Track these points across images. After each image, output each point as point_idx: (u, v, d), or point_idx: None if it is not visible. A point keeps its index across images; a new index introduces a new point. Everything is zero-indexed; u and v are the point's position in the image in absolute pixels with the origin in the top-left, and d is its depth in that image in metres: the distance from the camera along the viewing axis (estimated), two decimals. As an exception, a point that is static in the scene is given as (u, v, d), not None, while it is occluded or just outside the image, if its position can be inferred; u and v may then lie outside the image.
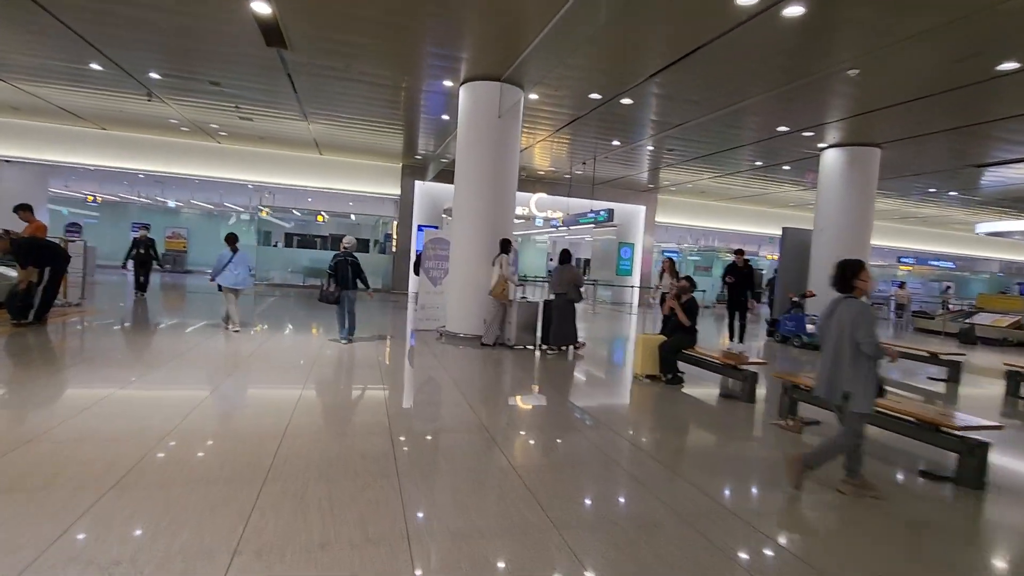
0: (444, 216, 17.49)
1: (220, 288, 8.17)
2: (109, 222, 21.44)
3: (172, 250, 20.53)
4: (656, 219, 19.67)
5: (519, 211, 17.68)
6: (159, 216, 21.46)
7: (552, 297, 8.51)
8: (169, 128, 14.19)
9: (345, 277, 7.70)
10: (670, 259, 11.30)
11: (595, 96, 9.14)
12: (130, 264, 11.68)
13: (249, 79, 9.73)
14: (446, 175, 16.90)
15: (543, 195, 17.89)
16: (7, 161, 14.72)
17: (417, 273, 12.21)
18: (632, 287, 19.34)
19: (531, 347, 8.45)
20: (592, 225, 15.13)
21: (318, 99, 10.70)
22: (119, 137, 15.08)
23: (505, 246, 8.22)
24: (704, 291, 20.12)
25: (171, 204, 24.30)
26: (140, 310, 10.22)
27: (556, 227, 20.00)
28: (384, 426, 4.30)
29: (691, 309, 6.62)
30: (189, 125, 13.70)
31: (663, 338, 6.69)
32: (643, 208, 19.50)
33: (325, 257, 17.99)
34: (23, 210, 7.60)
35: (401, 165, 16.94)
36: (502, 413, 5.13)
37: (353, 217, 28.74)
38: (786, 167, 13.87)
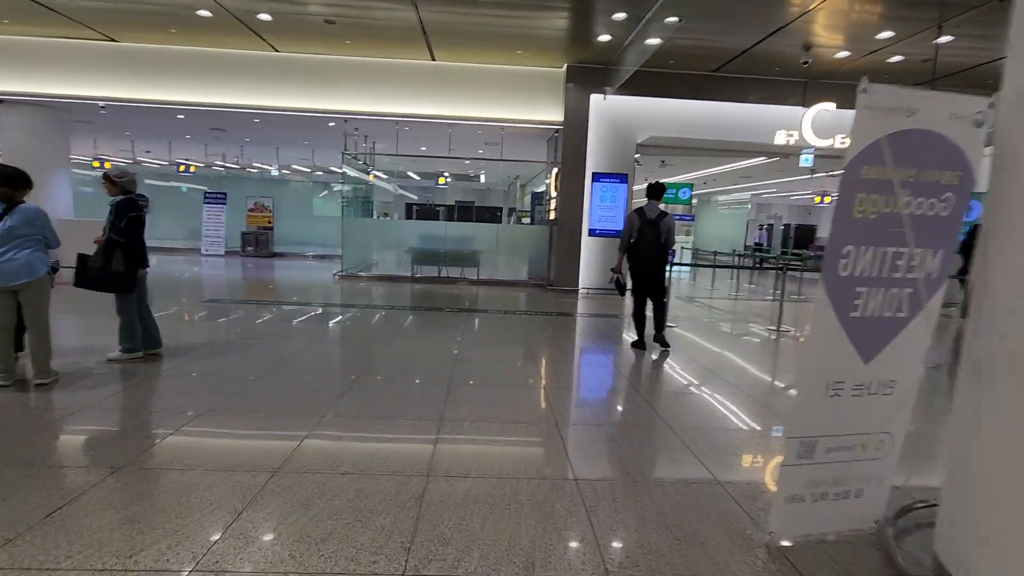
0: (637, 159, 10.09)
1: None
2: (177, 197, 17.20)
3: (254, 226, 15.60)
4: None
5: (781, 136, 9.74)
6: (238, 185, 16.73)
7: None
8: (195, 26, 8.44)
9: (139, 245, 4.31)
10: None
11: None
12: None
13: None
14: (649, 79, 9.44)
15: (828, 106, 9.63)
16: (1, 101, 10.08)
17: (622, 278, 5.16)
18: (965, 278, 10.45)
19: None
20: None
21: None
22: (137, 52, 9.71)
23: None
24: None
25: (274, 172, 19.84)
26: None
27: (811, 168, 11.83)
28: None
29: None
30: (211, 8, 7.76)
31: None
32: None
33: (442, 234, 11.58)
34: None
35: (565, 68, 9.76)
36: None
37: (482, 179, 22.47)
38: None
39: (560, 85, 9.85)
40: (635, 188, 10.52)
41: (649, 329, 5.67)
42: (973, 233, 8.04)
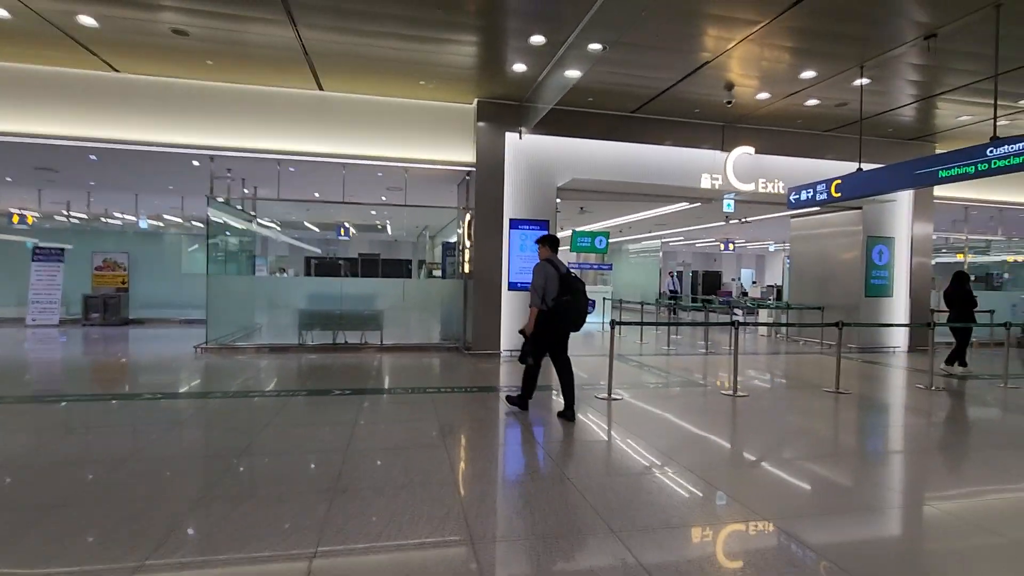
0: (558, 204, 9.14)
1: None
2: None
3: (104, 288, 12.79)
4: (935, 192, 10.74)
5: (707, 180, 9.24)
6: (87, 239, 13.83)
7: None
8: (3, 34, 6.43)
9: None
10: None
11: None
12: None
13: None
14: (568, 118, 8.69)
15: (747, 151, 9.32)
16: None
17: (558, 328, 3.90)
18: (895, 325, 10.48)
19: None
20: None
21: None
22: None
23: None
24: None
25: (143, 224, 16.86)
26: None
27: (730, 214, 11.80)
28: None
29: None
30: (8, 6, 5.86)
31: None
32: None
33: (338, 292, 9.83)
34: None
35: (476, 104, 8.72)
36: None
37: (388, 229, 20.89)
38: None
39: (471, 122, 8.77)
40: (559, 235, 9.51)
41: (558, 400, 4.88)
42: (959, 280, 7.71)
